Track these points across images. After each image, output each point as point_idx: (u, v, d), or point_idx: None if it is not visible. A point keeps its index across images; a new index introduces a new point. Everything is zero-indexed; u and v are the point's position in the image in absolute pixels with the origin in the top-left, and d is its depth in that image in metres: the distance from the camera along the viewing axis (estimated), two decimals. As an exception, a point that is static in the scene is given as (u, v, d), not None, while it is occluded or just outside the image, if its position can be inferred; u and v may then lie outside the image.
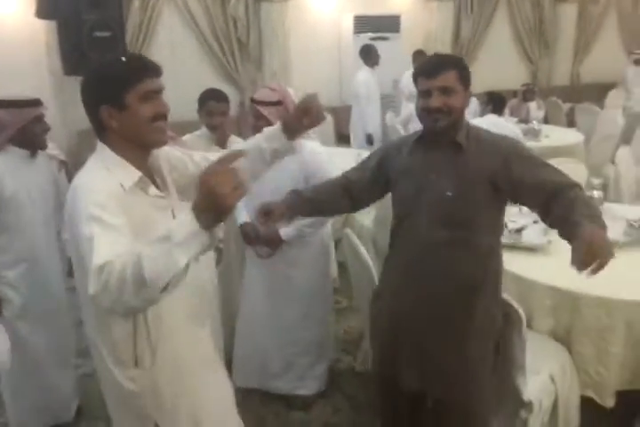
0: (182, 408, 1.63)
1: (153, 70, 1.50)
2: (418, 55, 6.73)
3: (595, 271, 1.47)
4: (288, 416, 2.73)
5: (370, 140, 5.96)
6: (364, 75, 6.08)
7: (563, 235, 1.67)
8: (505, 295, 1.98)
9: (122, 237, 1.33)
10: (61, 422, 2.67)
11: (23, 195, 2.38)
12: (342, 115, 6.78)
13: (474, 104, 6.24)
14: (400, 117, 6.35)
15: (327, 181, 2.13)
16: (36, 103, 2.38)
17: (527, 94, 6.51)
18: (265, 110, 2.45)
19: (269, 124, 2.28)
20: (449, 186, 1.79)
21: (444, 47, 8.18)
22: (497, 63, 8.72)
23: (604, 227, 1.58)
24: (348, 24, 7.23)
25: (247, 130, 2.33)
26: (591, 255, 1.46)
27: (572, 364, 2.32)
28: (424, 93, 1.80)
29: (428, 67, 1.82)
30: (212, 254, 2.15)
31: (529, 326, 2.44)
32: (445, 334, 1.88)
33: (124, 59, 1.51)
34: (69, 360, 2.65)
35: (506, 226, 2.81)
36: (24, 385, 2.48)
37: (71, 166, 2.97)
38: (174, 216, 1.56)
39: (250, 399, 2.78)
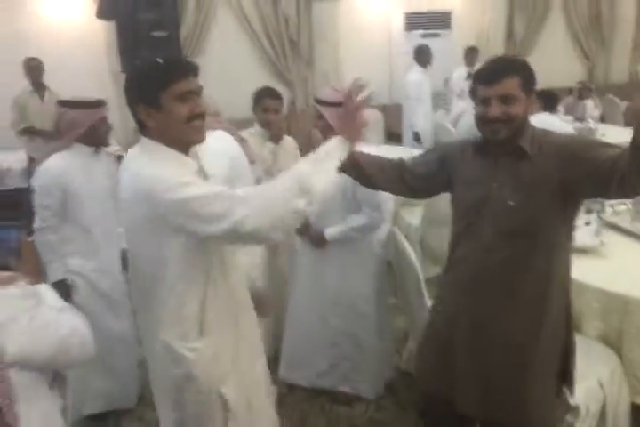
0: (239, 375, 1.71)
1: (188, 71, 1.55)
2: (470, 52, 6.66)
3: None
4: (332, 411, 2.76)
5: (417, 137, 5.93)
6: (414, 75, 6.05)
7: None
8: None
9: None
10: (123, 408, 2.78)
11: (87, 189, 2.52)
12: (392, 113, 6.77)
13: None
14: (450, 115, 6.30)
15: (384, 159, 1.96)
16: (102, 104, 2.53)
17: (583, 92, 6.34)
18: (325, 111, 2.42)
19: (327, 124, 2.35)
20: (511, 195, 1.70)
21: (497, 44, 8.06)
22: (552, 60, 8.50)
23: None
24: (399, 21, 7.21)
25: (297, 129, 2.40)
26: None
27: (621, 369, 2.28)
28: (482, 101, 1.70)
29: (487, 72, 1.71)
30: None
31: (578, 330, 2.42)
32: (508, 356, 1.78)
33: (160, 60, 1.55)
34: (133, 347, 2.74)
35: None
36: (90, 369, 2.57)
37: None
38: None
39: (295, 393, 2.85)
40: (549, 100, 4.85)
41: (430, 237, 3.98)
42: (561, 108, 6.45)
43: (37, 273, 1.40)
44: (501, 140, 1.70)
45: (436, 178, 1.92)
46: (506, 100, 1.66)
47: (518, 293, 1.75)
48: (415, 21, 7.23)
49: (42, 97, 5.24)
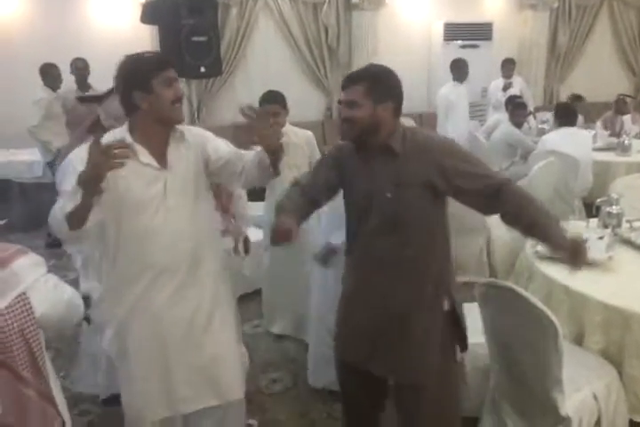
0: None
1: (170, 63, 1.90)
2: (506, 63, 6.63)
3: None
4: (333, 407, 2.80)
5: None
6: (446, 89, 6.07)
7: (534, 236, 1.98)
8: (541, 306, 1.98)
9: None
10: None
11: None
12: (430, 121, 6.78)
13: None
14: (484, 126, 6.29)
15: (295, 205, 2.05)
16: (108, 96, 2.57)
17: (620, 106, 6.21)
18: None
19: None
20: (388, 188, 1.89)
21: (539, 56, 8.00)
22: (596, 73, 8.39)
23: (558, 222, 1.92)
24: (439, 31, 7.23)
25: (332, 135, 2.52)
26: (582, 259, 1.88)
27: (619, 384, 2.27)
28: (338, 103, 1.98)
29: (344, 78, 1.95)
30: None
31: (579, 342, 2.43)
32: (396, 324, 1.98)
33: (146, 54, 1.90)
34: None
35: (566, 240, 2.79)
36: None
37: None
38: (165, 188, 1.88)
39: (297, 388, 2.97)
40: (563, 115, 4.80)
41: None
42: (599, 122, 6.37)
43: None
44: (352, 140, 1.95)
45: (330, 182, 2.07)
46: (351, 104, 1.87)
47: (404, 269, 1.95)
48: (455, 32, 7.23)
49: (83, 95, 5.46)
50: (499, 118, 5.88)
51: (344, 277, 2.16)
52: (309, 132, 3.37)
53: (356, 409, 2.26)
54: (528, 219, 1.88)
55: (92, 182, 1.63)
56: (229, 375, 2.11)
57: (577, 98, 6.27)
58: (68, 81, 5.35)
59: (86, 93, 3.08)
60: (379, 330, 2.00)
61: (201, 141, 2.00)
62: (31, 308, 1.39)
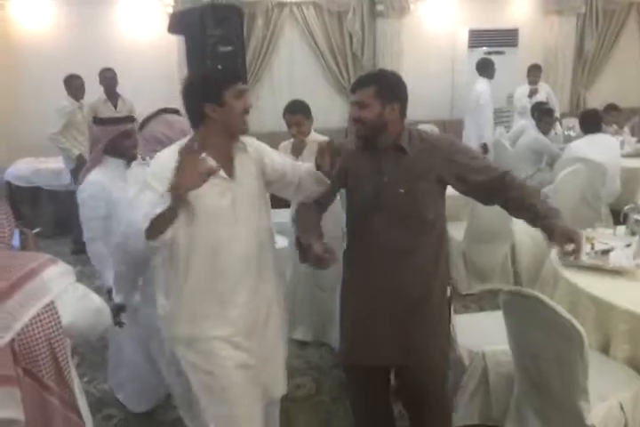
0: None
1: (239, 76, 2.01)
2: (533, 69, 6.57)
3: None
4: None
5: (485, 149, 5.88)
6: (482, 85, 6.01)
7: (533, 223, 2.04)
8: (567, 315, 1.96)
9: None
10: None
11: (123, 201, 2.58)
12: (453, 128, 6.77)
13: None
14: (510, 132, 6.25)
15: (302, 207, 2.24)
16: (125, 120, 2.70)
17: (647, 112, 6.11)
18: None
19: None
20: (401, 184, 2.04)
21: (566, 62, 7.91)
22: (624, 79, 8.26)
23: (558, 211, 2.01)
24: (463, 38, 7.21)
25: None
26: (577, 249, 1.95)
27: (647, 394, 2.24)
28: (350, 105, 2.12)
29: (354, 82, 2.11)
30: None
31: (605, 351, 2.40)
32: (410, 310, 2.11)
33: (220, 67, 1.99)
34: None
35: (592, 247, 2.77)
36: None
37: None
38: (234, 199, 1.92)
39: (321, 395, 2.97)
40: (586, 122, 4.75)
41: (473, 252, 4.00)
42: (627, 129, 6.29)
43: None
44: (366, 138, 2.09)
45: (339, 181, 2.17)
46: (360, 105, 2.03)
47: (414, 260, 2.09)
48: (480, 38, 7.20)
49: (115, 105, 5.56)
50: (524, 125, 5.83)
51: (347, 274, 2.27)
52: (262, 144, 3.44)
53: (365, 404, 2.39)
54: (530, 203, 2.02)
55: (184, 193, 1.72)
56: (279, 373, 2.19)
57: (612, 107, 6.15)
58: (98, 91, 5.47)
59: (111, 115, 3.16)
60: (394, 319, 2.11)
61: (260, 153, 2.05)
62: (59, 317, 1.40)
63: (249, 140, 2.05)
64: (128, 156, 2.69)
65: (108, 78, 5.45)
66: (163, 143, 2.39)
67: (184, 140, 1.96)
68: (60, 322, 1.40)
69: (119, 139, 2.63)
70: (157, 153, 1.98)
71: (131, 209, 1.89)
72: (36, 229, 1.68)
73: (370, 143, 2.10)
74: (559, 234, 1.93)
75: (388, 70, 2.14)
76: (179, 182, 1.69)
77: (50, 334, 1.38)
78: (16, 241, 1.56)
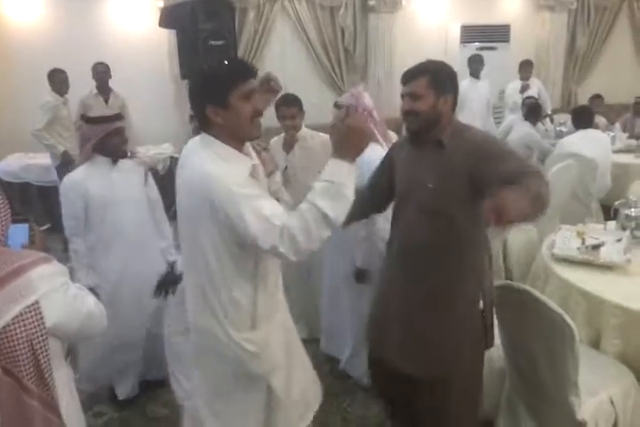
0: (292, 367, 1.89)
1: (251, 72, 1.70)
2: (525, 65, 6.59)
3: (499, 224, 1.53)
4: (347, 411, 2.83)
5: None
6: (463, 83, 6.05)
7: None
8: (558, 309, 1.96)
9: (272, 200, 1.66)
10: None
11: (109, 197, 2.65)
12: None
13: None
14: (500, 128, 6.26)
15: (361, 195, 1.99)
16: (114, 119, 2.66)
17: (639, 108, 6.14)
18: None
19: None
20: (430, 179, 1.96)
21: (557, 58, 7.94)
22: (615, 75, 8.30)
23: (527, 192, 1.63)
24: (455, 34, 7.20)
25: None
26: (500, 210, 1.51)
27: (637, 389, 2.25)
28: (401, 98, 2.00)
29: (404, 73, 2.00)
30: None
31: (596, 346, 2.41)
32: (424, 308, 2.03)
33: (226, 62, 1.72)
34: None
35: (583, 242, 2.78)
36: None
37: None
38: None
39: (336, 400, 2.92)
40: (577, 117, 4.76)
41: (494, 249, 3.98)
42: (618, 124, 6.31)
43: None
44: (416, 131, 2.01)
45: (383, 183, 2.19)
46: (414, 97, 1.93)
47: (436, 260, 2.00)
48: (472, 34, 7.20)
49: (106, 100, 5.51)
50: (513, 119, 5.86)
51: (383, 268, 2.24)
52: (326, 136, 3.40)
53: (391, 404, 2.36)
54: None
55: None
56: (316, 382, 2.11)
57: (596, 97, 6.20)
58: (90, 85, 5.42)
59: (100, 114, 3.13)
60: (414, 317, 2.04)
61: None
62: (42, 318, 1.35)
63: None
64: (117, 153, 2.69)
65: (100, 73, 5.40)
66: None
67: (206, 152, 1.70)
68: (43, 323, 1.35)
69: (109, 137, 2.61)
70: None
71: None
72: (45, 226, 1.65)
73: (421, 137, 2.01)
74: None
75: (440, 61, 2.03)
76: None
77: (32, 335, 1.33)
78: (25, 237, 1.54)
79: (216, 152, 1.68)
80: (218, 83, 1.65)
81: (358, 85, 3.14)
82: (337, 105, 2.64)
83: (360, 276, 2.76)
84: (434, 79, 1.92)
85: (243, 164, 1.70)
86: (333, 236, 1.66)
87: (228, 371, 1.82)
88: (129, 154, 2.76)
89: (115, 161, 2.71)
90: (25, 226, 1.55)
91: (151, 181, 2.89)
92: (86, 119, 2.66)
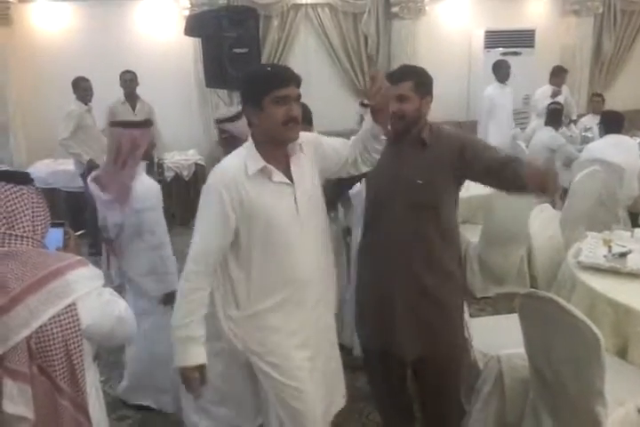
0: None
1: (289, 80, 1.80)
2: (558, 71, 6.52)
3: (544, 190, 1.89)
4: (368, 417, 2.82)
5: None
6: (490, 89, 6.04)
7: (513, 180, 2.00)
8: (584, 318, 1.94)
9: (212, 248, 1.84)
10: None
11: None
12: (468, 130, 6.74)
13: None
14: (525, 133, 6.21)
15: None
16: (147, 124, 2.75)
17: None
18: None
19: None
20: (418, 175, 2.10)
21: (583, 63, 7.85)
22: (642, 80, 8.19)
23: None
24: (479, 39, 7.18)
25: None
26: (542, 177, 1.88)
27: (666, 399, 2.20)
28: None
29: (389, 75, 2.07)
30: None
31: (623, 355, 2.37)
32: (425, 295, 2.16)
33: (269, 68, 1.92)
34: None
35: (610, 249, 2.73)
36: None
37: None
38: (296, 203, 1.86)
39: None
40: (607, 122, 4.70)
41: (489, 255, 3.97)
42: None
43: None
44: (399, 131, 2.10)
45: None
46: (401, 99, 2.07)
47: (430, 247, 2.15)
48: (496, 39, 7.17)
49: (133, 107, 5.59)
50: (538, 124, 5.83)
51: (362, 263, 2.36)
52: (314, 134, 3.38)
53: (383, 389, 2.46)
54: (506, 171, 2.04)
55: None
56: (340, 385, 2.15)
57: (561, 69, 6.13)
58: (117, 93, 5.51)
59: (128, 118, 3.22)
60: (410, 308, 2.17)
61: (315, 148, 1.98)
62: (78, 319, 1.39)
63: (305, 138, 1.95)
64: (148, 157, 2.80)
65: (128, 80, 5.48)
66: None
67: (250, 144, 1.88)
68: (79, 324, 1.39)
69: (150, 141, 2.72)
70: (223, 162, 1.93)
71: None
72: (80, 232, 1.68)
73: (401, 137, 2.13)
74: (534, 176, 1.89)
75: (416, 65, 2.25)
76: None
77: (67, 335, 1.37)
78: (59, 241, 1.57)
79: (243, 149, 1.90)
80: (256, 86, 1.81)
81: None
82: (363, 104, 2.76)
83: None
84: (418, 82, 2.10)
85: (255, 163, 1.83)
86: None
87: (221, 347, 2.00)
88: (190, 152, 2.91)
89: (150, 168, 2.84)
90: (60, 230, 1.59)
91: None
92: (131, 124, 2.70)
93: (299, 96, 1.83)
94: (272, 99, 1.76)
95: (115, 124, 2.76)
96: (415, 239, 2.15)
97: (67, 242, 1.59)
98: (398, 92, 2.05)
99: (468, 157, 2.09)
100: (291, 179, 1.88)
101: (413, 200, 2.12)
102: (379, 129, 1.88)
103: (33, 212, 1.45)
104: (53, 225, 1.57)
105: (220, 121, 2.70)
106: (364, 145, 1.95)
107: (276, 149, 1.86)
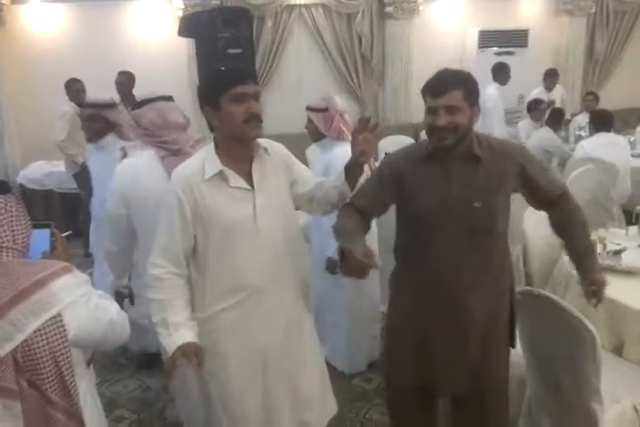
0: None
1: (244, 77, 1.80)
2: (549, 75, 6.57)
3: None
4: (366, 418, 2.83)
5: None
6: (491, 90, 6.01)
7: (574, 264, 2.12)
8: (579, 315, 1.94)
9: (176, 246, 1.82)
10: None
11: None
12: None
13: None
14: (519, 132, 6.22)
15: (351, 227, 1.92)
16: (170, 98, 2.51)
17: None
18: (312, 115, 2.93)
19: (316, 127, 2.91)
20: (475, 197, 1.86)
21: (576, 63, 7.88)
22: (635, 80, 8.22)
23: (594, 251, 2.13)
24: (473, 39, 7.18)
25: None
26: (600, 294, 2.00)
27: (662, 396, 2.21)
28: (430, 111, 1.84)
29: (434, 85, 1.84)
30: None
31: (618, 352, 2.38)
32: (480, 333, 1.96)
33: (222, 68, 1.90)
34: None
35: (604, 247, 2.75)
36: None
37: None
38: (255, 209, 1.83)
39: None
40: (598, 122, 4.72)
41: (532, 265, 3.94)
42: (639, 129, 6.24)
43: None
44: (449, 147, 1.85)
45: (380, 198, 2.02)
46: (450, 110, 1.80)
47: (482, 277, 1.94)
48: (490, 39, 7.17)
49: (128, 108, 5.57)
50: (532, 124, 5.83)
51: (399, 297, 2.08)
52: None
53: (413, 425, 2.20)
54: (572, 239, 2.07)
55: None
56: (326, 392, 2.11)
57: (552, 73, 6.11)
58: (112, 94, 5.47)
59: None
60: (461, 344, 1.96)
61: (285, 160, 1.97)
62: (65, 331, 1.34)
63: (271, 144, 1.94)
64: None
65: (120, 83, 5.42)
66: (146, 131, 2.34)
67: (209, 148, 1.85)
68: (65, 335, 1.34)
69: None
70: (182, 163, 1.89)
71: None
72: (67, 233, 1.64)
73: (449, 152, 1.88)
74: (589, 282, 2.01)
75: (462, 70, 1.93)
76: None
77: (54, 347, 1.32)
78: (46, 244, 1.52)
79: (203, 152, 1.87)
80: (211, 86, 1.81)
81: (329, 92, 3.27)
82: (309, 108, 2.84)
83: (332, 266, 2.79)
84: (468, 91, 1.82)
85: (212, 167, 1.80)
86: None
87: None
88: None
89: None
90: (46, 232, 1.53)
91: None
92: (137, 103, 2.46)
93: (257, 93, 1.81)
94: (229, 97, 1.74)
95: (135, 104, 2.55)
96: (467, 269, 1.91)
97: (54, 244, 1.54)
98: (447, 104, 1.79)
99: (530, 173, 1.91)
100: (251, 184, 1.83)
101: (469, 224, 1.87)
102: (348, 191, 1.94)
103: (12, 221, 1.39)
104: (39, 226, 1.51)
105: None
106: (326, 195, 1.98)
107: (239, 150, 1.83)
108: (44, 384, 1.32)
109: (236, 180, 1.82)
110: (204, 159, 1.83)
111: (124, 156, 2.50)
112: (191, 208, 1.79)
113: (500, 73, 6.04)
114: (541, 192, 1.97)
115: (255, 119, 1.78)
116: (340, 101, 2.95)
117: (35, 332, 1.29)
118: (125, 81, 5.46)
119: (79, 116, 3.46)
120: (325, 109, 2.89)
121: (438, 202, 1.89)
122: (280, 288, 1.92)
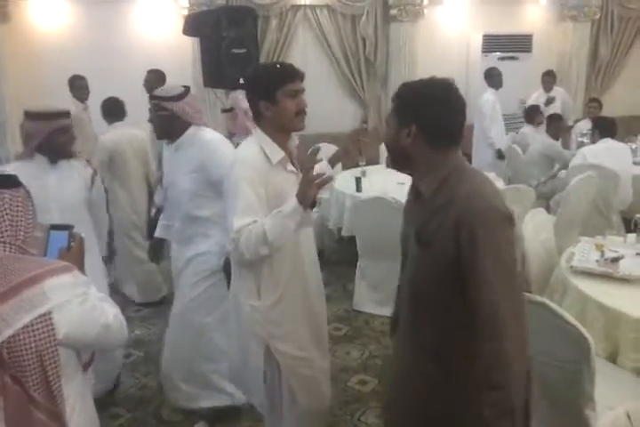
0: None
1: (298, 75, 2.02)
2: (546, 77, 6.59)
3: None
4: (361, 420, 2.83)
5: (500, 155, 6.03)
6: (487, 95, 6.06)
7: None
8: (574, 322, 1.95)
9: (256, 207, 1.92)
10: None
11: (42, 198, 2.22)
12: (465, 133, 6.73)
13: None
14: (517, 138, 6.24)
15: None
16: (61, 115, 2.51)
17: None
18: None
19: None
20: (412, 236, 1.55)
21: (580, 68, 7.89)
22: (638, 87, 8.22)
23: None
24: (477, 43, 7.20)
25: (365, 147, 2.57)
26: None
27: (655, 404, 2.22)
28: None
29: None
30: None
31: (613, 360, 2.38)
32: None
33: (278, 65, 2.08)
34: None
35: (602, 254, 2.76)
36: None
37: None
38: None
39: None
40: (602, 128, 4.72)
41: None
42: (641, 136, 6.25)
43: (82, 266, 1.57)
44: (391, 167, 1.61)
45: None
46: (386, 124, 1.60)
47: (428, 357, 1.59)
48: (494, 43, 7.19)
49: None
50: (532, 130, 5.84)
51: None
52: None
53: None
54: None
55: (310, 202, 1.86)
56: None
57: (557, 117, 6.06)
58: (115, 91, 5.47)
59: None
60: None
61: None
62: (53, 329, 1.31)
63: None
64: (63, 153, 2.55)
65: (148, 81, 5.26)
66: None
67: (260, 134, 2.03)
68: (53, 334, 1.32)
69: (55, 135, 2.47)
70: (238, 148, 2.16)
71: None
72: (82, 234, 1.64)
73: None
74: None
75: (419, 82, 1.57)
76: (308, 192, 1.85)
77: (41, 346, 1.30)
78: (64, 244, 1.54)
79: (257, 139, 2.03)
80: (270, 81, 1.97)
81: (236, 91, 3.58)
82: (223, 110, 2.99)
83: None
84: (401, 104, 1.52)
85: (275, 153, 2.00)
86: None
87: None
88: (76, 154, 2.63)
89: (54, 161, 2.53)
90: (65, 233, 1.54)
91: (98, 182, 2.78)
92: (29, 115, 2.47)
93: (304, 90, 2.03)
94: (285, 92, 1.94)
95: (27, 115, 2.53)
96: (417, 337, 1.63)
97: (70, 244, 1.54)
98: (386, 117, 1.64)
99: (465, 252, 1.40)
100: (296, 168, 2.07)
101: (414, 268, 1.60)
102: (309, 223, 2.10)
103: (16, 216, 1.39)
104: (59, 228, 1.54)
105: (163, 98, 2.59)
106: None
107: (282, 139, 2.04)
108: (28, 382, 1.30)
109: (290, 165, 2.06)
110: (260, 146, 2.00)
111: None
112: (265, 191, 1.96)
113: (490, 77, 6.10)
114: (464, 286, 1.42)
115: (303, 113, 2.01)
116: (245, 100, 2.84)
117: (23, 328, 1.28)
118: (153, 79, 5.39)
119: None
120: (231, 109, 3.11)
121: (403, 237, 1.70)
122: (315, 273, 2.23)
